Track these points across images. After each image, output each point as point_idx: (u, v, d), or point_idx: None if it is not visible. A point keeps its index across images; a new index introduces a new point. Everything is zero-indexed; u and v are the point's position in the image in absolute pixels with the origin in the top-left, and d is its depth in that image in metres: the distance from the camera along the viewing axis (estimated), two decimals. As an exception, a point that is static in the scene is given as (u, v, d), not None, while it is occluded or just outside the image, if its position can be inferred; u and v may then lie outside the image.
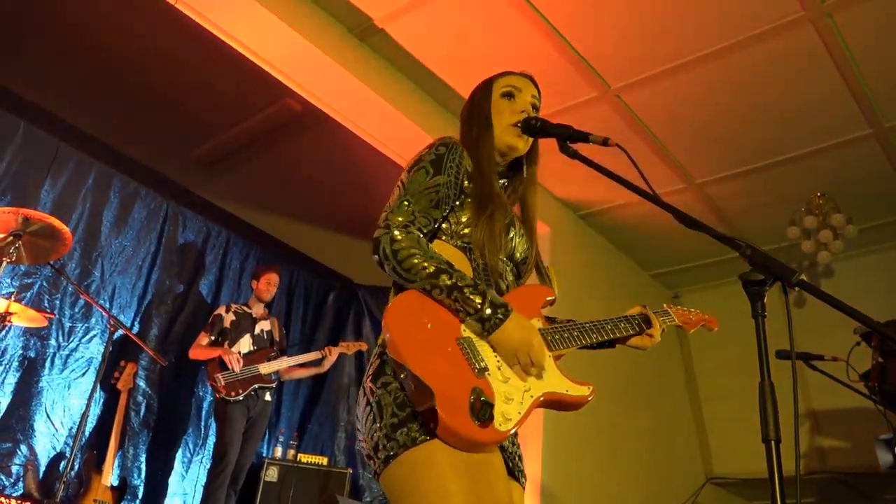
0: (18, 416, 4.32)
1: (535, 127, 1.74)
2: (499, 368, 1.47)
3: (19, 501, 3.98)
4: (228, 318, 4.85)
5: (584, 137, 1.63)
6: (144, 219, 5.26)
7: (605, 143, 1.60)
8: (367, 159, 4.86)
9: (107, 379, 4.58)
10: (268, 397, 4.78)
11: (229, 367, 4.58)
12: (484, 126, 1.78)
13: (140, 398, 4.96)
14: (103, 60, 4.48)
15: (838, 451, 5.52)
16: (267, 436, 5.57)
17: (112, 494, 4.26)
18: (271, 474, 4.93)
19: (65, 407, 4.54)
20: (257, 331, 4.92)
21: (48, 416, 4.45)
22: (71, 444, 4.25)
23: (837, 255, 5.06)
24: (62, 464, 4.31)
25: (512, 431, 1.41)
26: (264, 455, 5.37)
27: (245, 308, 4.98)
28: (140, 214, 5.24)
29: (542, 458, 4.38)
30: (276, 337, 5.04)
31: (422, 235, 1.55)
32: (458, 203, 1.66)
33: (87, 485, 4.18)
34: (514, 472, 1.58)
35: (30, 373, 4.43)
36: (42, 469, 4.34)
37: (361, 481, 5.64)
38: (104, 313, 4.47)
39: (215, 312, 4.92)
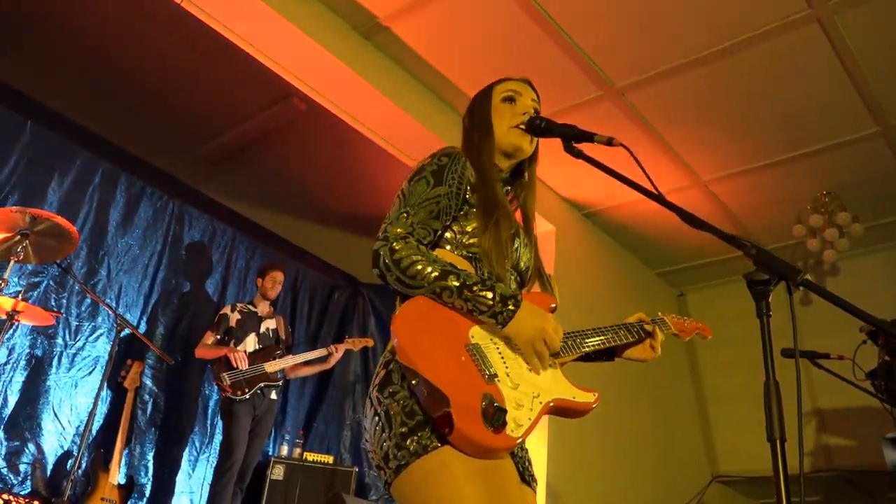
0: (26, 414, 4.35)
1: (539, 126, 1.73)
2: (507, 375, 1.46)
3: (28, 499, 4.00)
4: (234, 318, 4.86)
5: (588, 137, 1.63)
6: (150, 218, 5.28)
7: (609, 142, 1.60)
8: (371, 157, 4.88)
9: (113, 377, 4.60)
10: (274, 396, 4.80)
11: (235, 365, 4.59)
12: (485, 131, 1.78)
13: (147, 397, 4.98)
14: (110, 59, 4.49)
15: (844, 450, 5.51)
16: (273, 434, 5.58)
17: (119, 493, 4.28)
18: (277, 473, 4.95)
19: (72, 405, 4.56)
20: (263, 329, 4.93)
21: (55, 414, 4.47)
22: (78, 442, 4.27)
23: (843, 254, 5.05)
24: (70, 462, 4.32)
25: (523, 437, 1.40)
26: (270, 453, 5.39)
27: (250, 307, 5.00)
28: (146, 213, 5.26)
29: (546, 457, 4.38)
30: (282, 335, 5.05)
31: (421, 245, 1.54)
32: (461, 213, 1.65)
33: (95, 483, 4.21)
34: (525, 476, 1.57)
35: (37, 371, 4.45)
36: (50, 467, 4.36)
37: (367, 479, 5.66)
38: (111, 312, 4.49)
39: (221, 312, 4.94)
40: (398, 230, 1.53)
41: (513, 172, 1.86)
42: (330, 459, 5.28)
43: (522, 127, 1.76)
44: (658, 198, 1.49)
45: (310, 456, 5.24)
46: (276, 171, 5.46)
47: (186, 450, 5.14)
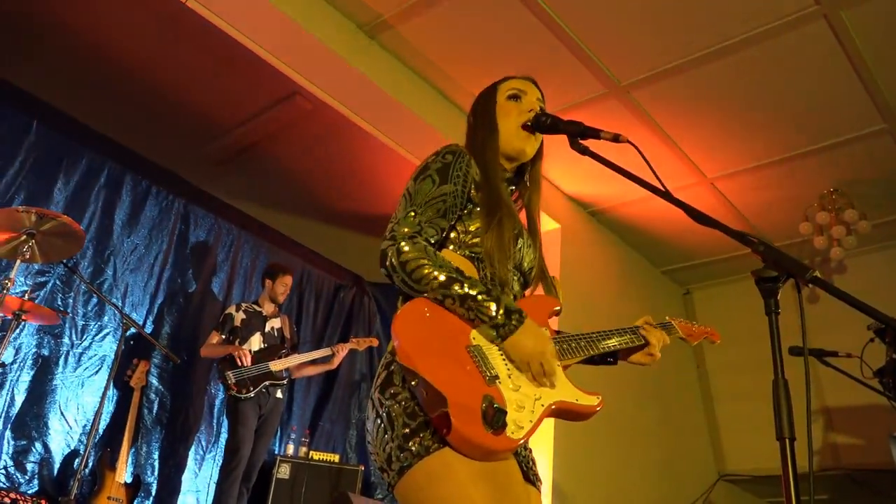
0: (33, 413, 4.36)
1: (545, 123, 1.71)
2: (509, 377, 1.45)
3: (35, 498, 4.02)
4: (239, 317, 4.86)
5: (594, 134, 1.61)
6: (156, 217, 5.30)
7: (615, 139, 1.59)
8: (377, 156, 4.87)
9: (120, 377, 4.61)
10: (279, 395, 4.80)
11: (240, 364, 4.59)
12: (489, 129, 1.76)
13: (153, 396, 4.99)
14: (115, 60, 4.50)
15: (852, 448, 5.49)
16: (279, 433, 5.59)
17: (126, 491, 4.29)
18: (283, 472, 4.95)
19: (79, 405, 4.57)
20: (268, 328, 4.93)
21: (62, 413, 4.48)
22: (85, 441, 4.28)
23: (850, 251, 5.02)
24: (76, 461, 4.34)
25: (524, 439, 1.39)
26: (276, 452, 5.39)
27: (255, 306, 5.00)
28: (152, 213, 5.27)
29: (553, 455, 4.38)
30: (287, 334, 5.05)
31: (429, 245, 1.53)
32: (465, 212, 1.64)
33: (102, 482, 4.21)
34: (529, 475, 1.57)
35: (44, 371, 4.46)
36: (56, 466, 4.37)
37: (373, 478, 5.66)
38: (117, 311, 4.50)
39: (226, 311, 4.94)
40: (406, 230, 1.52)
41: (517, 172, 1.84)
42: (336, 458, 5.29)
43: (529, 124, 1.74)
44: (665, 194, 1.47)
45: (316, 455, 5.24)
46: (282, 171, 5.46)
47: (192, 448, 5.14)
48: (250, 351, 4.70)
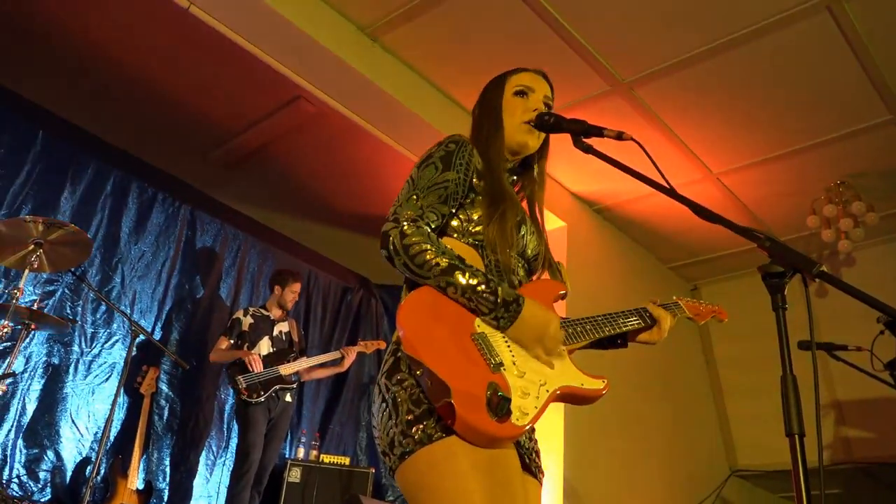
0: (44, 422, 4.38)
1: (548, 122, 1.72)
2: (514, 363, 1.46)
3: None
4: (247, 322, 4.87)
5: (598, 132, 1.61)
6: (163, 224, 5.32)
7: (619, 137, 1.58)
8: (381, 158, 4.88)
9: (130, 384, 4.63)
10: (289, 398, 4.81)
11: (250, 369, 4.60)
12: (494, 124, 1.78)
13: (163, 402, 5.01)
14: (119, 67, 4.51)
15: (864, 442, 5.46)
16: (289, 437, 5.60)
17: (138, 498, 4.31)
18: (294, 475, 4.96)
19: (89, 412, 4.59)
20: (276, 333, 4.94)
21: (73, 421, 4.50)
22: (96, 448, 4.30)
23: (858, 244, 5.00)
24: (88, 469, 4.36)
25: (529, 426, 1.40)
26: (287, 456, 5.40)
27: (263, 311, 5.01)
28: (158, 220, 5.30)
29: (563, 452, 4.37)
30: (295, 338, 5.06)
31: (431, 230, 1.54)
32: (468, 201, 1.65)
33: (114, 489, 4.23)
34: (531, 467, 1.57)
35: (54, 379, 4.49)
36: (69, 474, 4.39)
37: (384, 480, 5.66)
38: (126, 319, 4.52)
39: (233, 316, 4.95)
40: (409, 212, 1.53)
41: (521, 164, 1.87)
42: (346, 461, 5.30)
43: (532, 124, 1.75)
44: (670, 192, 1.47)
45: (326, 458, 5.25)
46: (287, 175, 5.47)
47: (203, 454, 5.16)
48: (260, 355, 4.71)
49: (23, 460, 4.24)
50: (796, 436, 1.10)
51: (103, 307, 4.78)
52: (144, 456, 4.70)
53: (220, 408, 5.36)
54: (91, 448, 4.52)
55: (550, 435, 4.38)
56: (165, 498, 4.88)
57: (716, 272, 6.04)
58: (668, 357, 5.48)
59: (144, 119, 4.96)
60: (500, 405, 1.35)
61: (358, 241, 6.20)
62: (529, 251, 1.73)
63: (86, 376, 4.64)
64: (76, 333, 4.64)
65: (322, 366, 5.10)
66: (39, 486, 4.25)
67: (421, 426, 1.39)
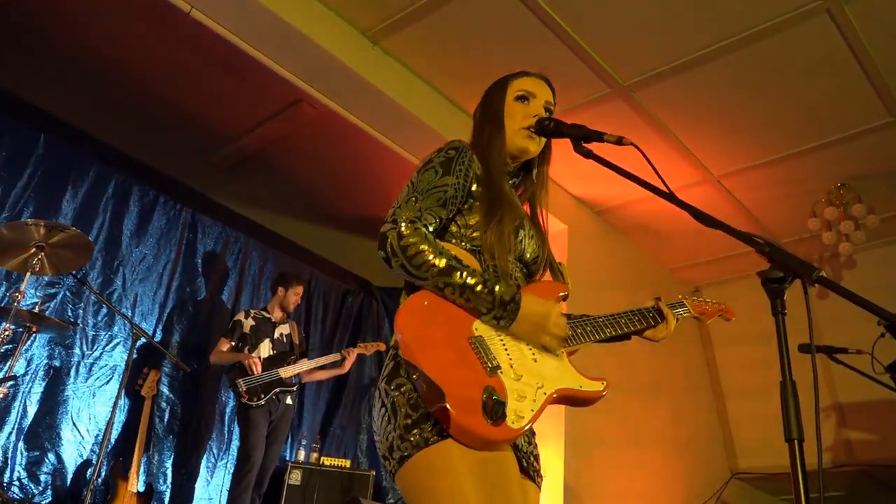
0: (45, 424, 4.38)
1: (548, 128, 1.73)
2: (511, 367, 1.47)
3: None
4: (248, 324, 4.88)
5: (598, 137, 1.62)
6: (164, 227, 5.32)
7: (619, 142, 1.59)
8: (382, 160, 4.88)
9: (131, 386, 4.63)
10: (289, 401, 4.81)
11: (250, 372, 4.60)
12: (496, 128, 1.78)
13: (164, 404, 5.01)
14: (121, 71, 4.52)
15: (866, 444, 5.46)
16: (290, 439, 5.60)
17: (138, 500, 4.31)
18: (295, 477, 4.96)
19: (90, 415, 4.60)
20: (276, 335, 4.95)
21: (74, 424, 4.50)
22: (97, 451, 4.30)
23: (859, 246, 5.00)
24: (89, 471, 4.36)
25: (525, 429, 1.41)
26: (287, 458, 5.40)
27: (264, 313, 5.01)
28: (160, 222, 5.30)
29: (564, 454, 4.37)
30: (296, 340, 5.06)
31: (429, 232, 1.55)
32: (466, 206, 1.66)
33: (115, 491, 4.23)
34: (529, 471, 1.58)
35: (55, 382, 4.49)
36: (69, 477, 4.39)
37: (385, 483, 5.66)
38: (127, 321, 4.52)
39: (234, 318, 4.95)
40: (407, 213, 1.54)
41: (521, 167, 1.87)
42: (347, 463, 5.30)
43: (532, 129, 1.76)
44: (670, 196, 1.48)
45: (327, 460, 5.25)
46: (288, 177, 5.47)
47: (204, 456, 5.16)
48: (260, 358, 4.71)
49: (24, 463, 4.24)
50: (796, 441, 1.10)
51: (104, 310, 4.78)
52: (145, 458, 4.70)
53: (221, 410, 5.36)
54: (92, 450, 4.52)
55: (551, 437, 4.38)
56: (166, 500, 4.88)
57: (717, 274, 6.04)
58: (668, 359, 5.48)
59: (146, 122, 4.97)
60: (494, 408, 1.36)
61: (359, 244, 6.20)
62: (528, 255, 1.73)
63: (87, 379, 4.64)
64: (77, 336, 4.64)
65: (323, 368, 5.11)
66: (40, 488, 4.25)
67: (418, 430, 1.41)
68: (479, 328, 1.50)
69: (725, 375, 6.10)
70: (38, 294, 4.46)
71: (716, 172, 4.81)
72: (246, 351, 4.74)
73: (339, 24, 3.85)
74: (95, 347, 4.73)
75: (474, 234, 1.64)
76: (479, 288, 1.48)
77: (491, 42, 3.89)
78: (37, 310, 3.73)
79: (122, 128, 5.04)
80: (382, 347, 5.41)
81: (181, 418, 5.09)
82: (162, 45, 4.27)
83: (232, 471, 4.80)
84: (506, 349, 1.49)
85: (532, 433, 1.65)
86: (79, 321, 4.66)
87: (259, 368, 4.64)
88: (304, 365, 4.92)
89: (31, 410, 4.35)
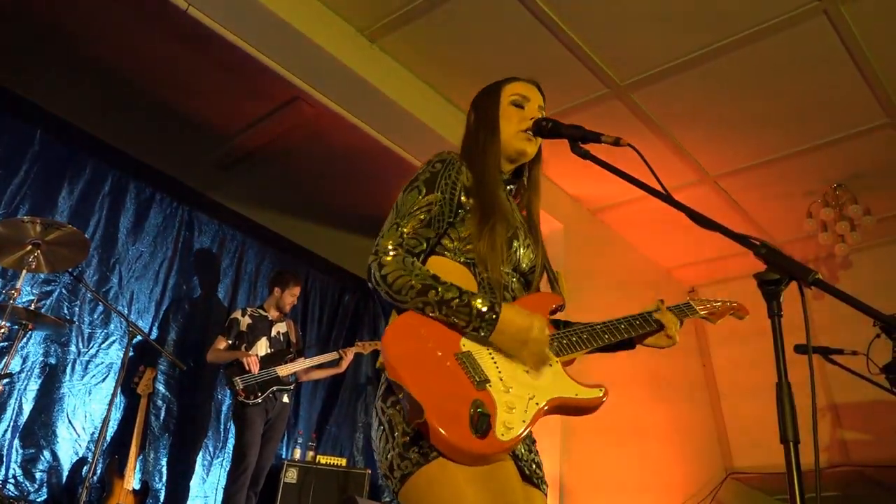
0: (41, 422, 4.38)
1: (545, 128, 1.72)
2: (501, 379, 1.46)
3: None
4: (245, 322, 4.87)
5: (595, 138, 1.62)
6: (160, 224, 5.32)
7: (616, 142, 1.59)
8: (379, 159, 4.88)
9: (127, 384, 4.63)
10: (286, 399, 4.81)
11: (247, 370, 4.60)
12: (491, 133, 1.77)
13: (160, 402, 5.01)
14: (117, 68, 4.51)
15: (861, 445, 5.48)
16: (286, 437, 5.60)
17: (134, 498, 4.30)
18: (291, 476, 4.96)
19: (86, 412, 4.59)
20: (273, 333, 4.94)
21: (70, 421, 4.50)
22: (93, 449, 4.30)
23: (855, 247, 5.01)
24: (85, 469, 4.35)
25: (515, 441, 1.38)
26: (283, 457, 5.40)
27: (261, 311, 5.01)
28: (156, 220, 5.30)
29: (560, 453, 4.38)
30: (293, 339, 5.06)
31: (408, 256, 1.55)
32: (458, 219, 1.65)
33: (110, 489, 4.23)
34: (533, 478, 1.57)
35: (51, 379, 4.48)
36: (65, 474, 4.39)
37: (380, 481, 5.66)
38: (123, 319, 4.52)
39: (231, 316, 4.94)
40: (388, 244, 1.55)
41: (515, 172, 1.86)
42: (343, 462, 5.30)
43: (530, 131, 1.75)
44: (666, 197, 1.48)
45: (323, 459, 5.25)
46: (285, 175, 5.47)
47: (200, 454, 5.16)
48: (257, 356, 4.71)
49: (19, 460, 4.23)
50: (791, 443, 1.10)
51: (100, 307, 4.77)
52: (141, 456, 4.70)
53: (217, 408, 5.36)
54: (87, 448, 4.52)
55: (547, 438, 4.38)
56: (162, 498, 4.88)
57: (713, 275, 6.05)
58: (664, 359, 5.48)
59: (142, 119, 4.96)
60: (479, 421, 1.35)
61: (356, 242, 6.20)
62: (524, 265, 1.71)
63: (83, 376, 4.63)
64: (73, 334, 4.64)
65: (319, 367, 5.10)
66: (36, 486, 4.25)
67: (416, 447, 1.40)
68: (467, 344, 1.49)
69: (722, 375, 6.12)
70: (34, 291, 4.46)
71: (712, 173, 4.82)
72: (243, 349, 4.74)
73: (337, 23, 3.85)
74: (91, 345, 4.72)
75: (468, 247, 1.63)
76: (455, 302, 1.47)
77: (488, 41, 3.88)
78: (33, 307, 3.72)
79: (119, 125, 5.03)
80: (380, 346, 5.40)
81: (177, 416, 5.09)
82: (159, 43, 4.26)
83: (228, 469, 4.79)
84: (495, 363, 1.48)
85: (532, 441, 1.64)
86: (75, 319, 4.65)
87: (257, 367, 4.63)
88: (301, 363, 4.92)
89: (27, 408, 4.34)
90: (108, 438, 4.59)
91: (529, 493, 1.53)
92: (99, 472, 4.34)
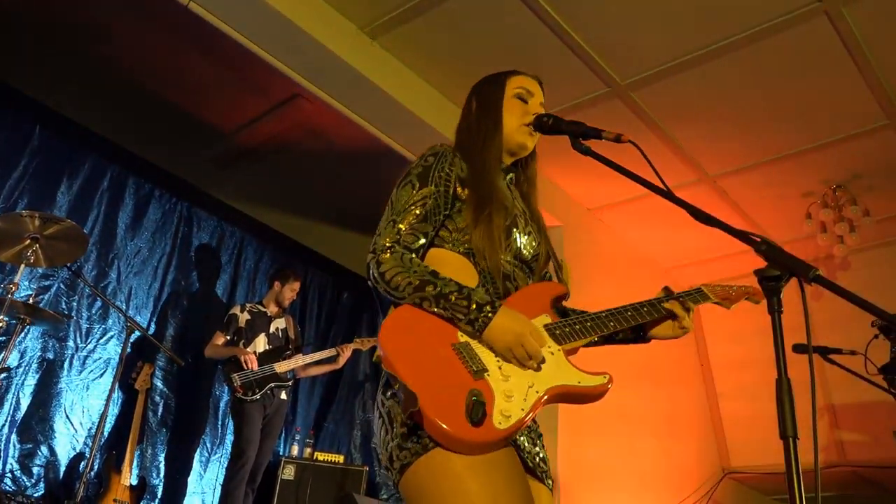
0: (38, 417, 4.37)
1: (546, 124, 1.71)
2: (499, 368, 1.45)
3: (41, 502, 4.03)
4: (243, 318, 4.87)
5: (596, 134, 1.62)
6: (159, 220, 5.31)
7: (617, 139, 1.59)
8: (379, 156, 4.87)
9: (125, 379, 4.62)
10: (284, 396, 4.80)
11: (245, 367, 4.60)
12: (493, 126, 1.76)
13: (158, 398, 5.00)
14: (117, 63, 4.50)
15: (857, 445, 5.48)
16: (283, 434, 5.60)
17: (131, 494, 4.30)
18: (288, 472, 4.96)
19: (84, 408, 4.59)
20: (272, 329, 4.94)
21: (67, 416, 4.49)
22: (90, 444, 4.30)
23: (854, 248, 5.01)
24: (82, 464, 4.35)
25: (513, 429, 1.37)
26: (281, 453, 5.40)
27: (260, 307, 5.00)
28: (155, 216, 5.29)
29: (557, 453, 4.38)
30: (292, 335, 5.05)
31: (406, 252, 1.54)
32: (455, 210, 1.64)
33: (107, 484, 4.22)
34: (536, 472, 1.55)
35: (49, 374, 4.48)
36: (62, 469, 4.39)
37: (378, 479, 5.66)
38: (121, 314, 4.51)
39: (230, 312, 4.94)
40: (385, 241, 1.55)
41: (511, 165, 1.85)
42: (340, 459, 5.29)
43: (531, 125, 1.75)
44: (667, 194, 1.47)
45: (320, 456, 5.24)
46: (284, 173, 5.46)
47: (198, 450, 5.16)
48: (255, 353, 4.70)
49: (16, 455, 4.23)
50: (791, 438, 1.10)
51: (99, 303, 4.77)
52: (138, 452, 4.69)
53: (215, 404, 5.36)
54: (85, 443, 4.51)
55: (545, 434, 4.38)
56: (159, 494, 4.88)
57: (712, 274, 6.05)
58: (662, 358, 5.49)
59: (142, 115, 4.95)
60: (473, 410, 1.34)
61: (354, 240, 6.19)
62: (526, 252, 1.69)
63: (80, 372, 4.63)
64: (71, 329, 4.63)
65: (317, 363, 5.09)
66: (33, 480, 4.24)
67: (415, 437, 1.40)
68: (465, 335, 1.49)
69: (719, 374, 6.12)
70: (32, 286, 4.45)
71: (711, 172, 4.82)
72: (241, 345, 4.73)
73: (337, 20, 3.84)
74: (89, 340, 4.72)
75: (466, 237, 1.62)
76: (453, 297, 1.46)
77: (489, 39, 3.88)
78: (31, 302, 3.72)
79: (118, 121, 5.02)
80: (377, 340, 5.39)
81: (175, 412, 5.08)
82: (159, 39, 4.26)
83: (225, 465, 4.79)
84: (493, 352, 1.47)
85: (538, 435, 1.63)
86: (73, 314, 4.65)
87: (255, 364, 4.63)
88: (299, 360, 4.91)
89: (24, 403, 4.34)
90: (106, 434, 4.59)
91: (534, 484, 1.52)
92: (96, 467, 4.33)
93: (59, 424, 4.45)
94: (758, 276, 1.24)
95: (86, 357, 4.67)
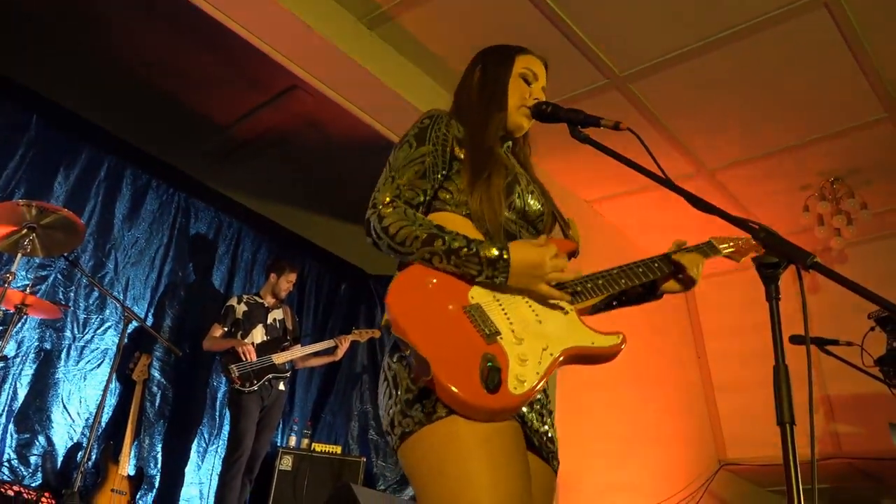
0: (36, 407, 4.37)
1: (545, 111, 1.71)
2: (512, 331, 1.41)
3: (39, 491, 4.03)
4: (241, 309, 4.86)
5: (594, 122, 1.61)
6: (157, 210, 5.30)
7: (616, 127, 1.58)
8: (377, 147, 4.86)
9: (122, 370, 4.62)
10: (282, 387, 4.81)
11: (243, 358, 4.60)
12: (497, 105, 1.75)
13: (155, 389, 5.00)
14: (114, 53, 4.49)
15: (853, 437, 5.50)
16: (281, 425, 5.60)
17: (129, 484, 4.31)
18: (286, 463, 4.97)
19: (81, 398, 4.59)
20: (270, 320, 4.94)
21: (65, 407, 4.49)
22: (88, 434, 4.30)
23: (851, 241, 5.02)
24: (79, 454, 4.35)
25: (529, 394, 1.33)
26: (279, 444, 5.41)
27: (257, 298, 5.00)
28: (152, 206, 5.28)
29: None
30: (289, 326, 5.05)
31: (409, 207, 1.53)
32: (454, 171, 1.63)
33: (105, 475, 4.23)
34: (542, 451, 1.52)
35: (46, 364, 4.48)
36: (60, 459, 4.39)
37: (375, 470, 5.67)
38: (118, 305, 4.51)
39: (227, 303, 4.94)
40: (385, 196, 1.54)
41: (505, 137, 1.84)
42: (338, 450, 5.30)
43: (529, 111, 1.75)
44: (666, 182, 1.47)
45: (318, 446, 5.25)
46: (283, 164, 5.45)
47: (195, 441, 5.16)
48: (253, 344, 4.70)
49: (14, 445, 4.23)
50: (787, 425, 1.10)
51: (96, 293, 4.76)
52: (136, 442, 4.70)
53: (213, 395, 5.36)
54: (82, 434, 4.52)
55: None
56: (156, 484, 4.88)
57: (709, 266, 6.04)
58: (659, 350, 5.50)
59: (139, 105, 4.94)
60: (490, 375, 1.30)
61: (353, 231, 6.19)
62: (530, 211, 1.68)
63: (78, 362, 4.63)
64: (68, 319, 4.62)
65: (315, 355, 5.10)
66: (30, 470, 4.25)
67: (420, 405, 1.37)
68: (476, 296, 1.45)
69: (716, 367, 6.13)
70: (29, 276, 4.44)
71: (709, 165, 4.82)
72: (239, 336, 4.73)
73: (336, 10, 3.83)
74: (87, 330, 4.71)
75: (466, 199, 1.60)
76: (464, 251, 1.43)
77: (487, 30, 3.86)
78: (28, 291, 3.71)
79: (116, 111, 5.00)
80: (377, 334, 5.40)
81: (172, 403, 5.08)
82: (157, 29, 4.24)
83: (223, 456, 4.80)
84: (505, 314, 1.44)
85: (549, 412, 1.58)
86: (70, 304, 4.64)
87: (253, 356, 4.63)
88: (297, 351, 4.92)
89: (22, 393, 4.34)
90: (103, 424, 4.59)
91: (536, 463, 1.49)
92: (94, 457, 4.34)
93: (57, 414, 4.45)
94: (756, 263, 1.24)
95: (83, 347, 4.67)
